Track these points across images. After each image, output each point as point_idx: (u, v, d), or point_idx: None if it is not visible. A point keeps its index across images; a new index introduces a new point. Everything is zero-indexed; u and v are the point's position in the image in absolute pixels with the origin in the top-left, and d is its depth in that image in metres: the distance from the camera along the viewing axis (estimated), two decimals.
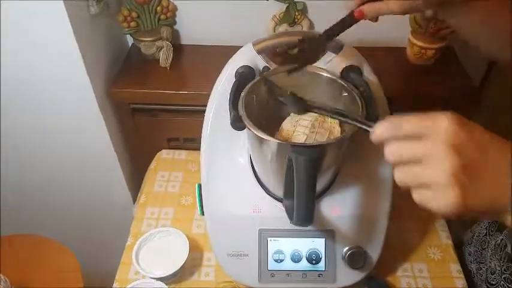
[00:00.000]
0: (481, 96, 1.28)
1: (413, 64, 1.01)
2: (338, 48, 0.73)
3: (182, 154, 1.04)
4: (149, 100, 0.96)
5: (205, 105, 0.77)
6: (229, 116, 0.65)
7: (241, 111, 0.65)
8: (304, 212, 0.62)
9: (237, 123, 0.64)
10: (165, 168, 1.01)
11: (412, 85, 1.00)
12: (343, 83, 0.70)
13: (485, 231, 0.82)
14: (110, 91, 0.95)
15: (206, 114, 0.77)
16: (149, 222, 0.90)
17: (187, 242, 0.80)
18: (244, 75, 0.71)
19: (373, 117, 0.64)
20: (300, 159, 0.58)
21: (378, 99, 0.72)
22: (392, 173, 0.73)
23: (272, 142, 0.62)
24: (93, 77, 0.88)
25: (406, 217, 0.91)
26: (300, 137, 0.70)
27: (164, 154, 1.04)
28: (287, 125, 0.74)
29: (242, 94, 0.68)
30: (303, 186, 0.60)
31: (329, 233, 0.75)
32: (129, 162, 1.10)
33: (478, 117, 1.31)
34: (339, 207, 0.75)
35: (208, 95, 0.77)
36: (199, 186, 0.77)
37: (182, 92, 0.94)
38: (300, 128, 0.71)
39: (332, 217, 0.75)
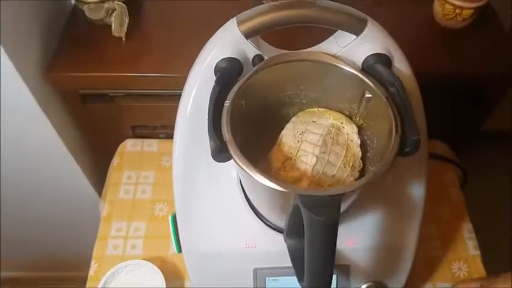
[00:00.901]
0: None
1: (441, 28, 0.79)
2: (359, 27, 0.52)
3: (153, 144, 0.84)
4: (102, 85, 0.73)
5: (177, 90, 0.56)
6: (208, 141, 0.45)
7: (227, 133, 0.45)
8: (320, 280, 0.46)
9: (221, 155, 0.45)
10: (132, 166, 0.81)
11: (437, 55, 0.78)
12: (365, 79, 0.50)
13: None
14: (48, 76, 0.71)
15: (179, 114, 0.56)
16: (115, 243, 0.72)
17: (162, 277, 0.63)
18: (228, 73, 0.50)
19: (411, 133, 0.46)
20: (315, 221, 0.40)
21: (412, 99, 0.52)
22: (423, 195, 0.58)
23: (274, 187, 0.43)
24: (19, 57, 0.64)
25: (427, 219, 0.76)
26: (308, 159, 0.51)
27: (129, 146, 0.84)
28: (288, 138, 0.54)
29: (227, 104, 0.48)
30: (318, 252, 0.43)
31: (342, 269, 0.59)
32: (88, 156, 0.90)
33: None
34: (354, 237, 0.59)
35: (181, 77, 0.55)
36: (174, 217, 0.59)
37: (145, 75, 0.71)
38: (306, 145, 0.52)
39: (346, 249, 0.59)
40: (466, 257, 0.73)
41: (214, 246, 0.58)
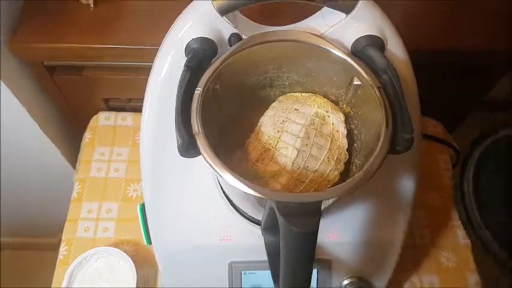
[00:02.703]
0: None
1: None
2: (350, 4, 0.45)
3: (128, 118, 0.78)
4: (67, 57, 0.66)
5: (147, 62, 0.50)
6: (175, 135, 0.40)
7: (197, 127, 0.40)
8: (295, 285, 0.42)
9: (190, 151, 0.40)
10: (105, 141, 0.75)
11: (431, 32, 0.71)
12: (355, 64, 0.44)
13: None
14: (11, 46, 0.64)
15: (147, 93, 0.50)
16: (86, 225, 0.68)
17: (134, 267, 0.60)
18: (200, 55, 0.44)
19: (404, 130, 0.41)
20: (292, 232, 0.36)
21: (407, 89, 0.47)
22: (414, 189, 0.54)
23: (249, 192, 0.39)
24: None
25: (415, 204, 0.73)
26: (288, 152, 0.46)
27: (102, 119, 0.78)
28: (268, 127, 0.49)
29: (197, 92, 0.42)
30: (295, 260, 0.39)
31: (323, 263, 0.56)
32: (61, 129, 0.84)
33: None
34: (336, 231, 0.55)
35: (153, 49, 0.49)
36: (143, 206, 0.55)
37: (114, 46, 0.64)
38: (287, 136, 0.47)
39: (328, 243, 0.55)
40: (454, 246, 0.70)
41: (187, 239, 0.54)
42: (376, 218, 0.55)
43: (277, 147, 0.47)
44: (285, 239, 0.37)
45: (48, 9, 0.67)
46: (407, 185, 0.53)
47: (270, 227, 0.49)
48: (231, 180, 0.38)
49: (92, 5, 0.66)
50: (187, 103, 0.41)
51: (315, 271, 0.57)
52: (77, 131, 0.80)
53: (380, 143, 0.40)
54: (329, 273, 0.57)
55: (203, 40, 0.44)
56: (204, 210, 0.54)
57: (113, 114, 0.78)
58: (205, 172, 0.54)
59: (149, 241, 0.56)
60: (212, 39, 0.44)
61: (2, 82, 0.65)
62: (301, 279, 0.41)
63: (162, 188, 0.54)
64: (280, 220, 0.37)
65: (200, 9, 0.45)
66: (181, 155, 0.40)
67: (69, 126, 0.86)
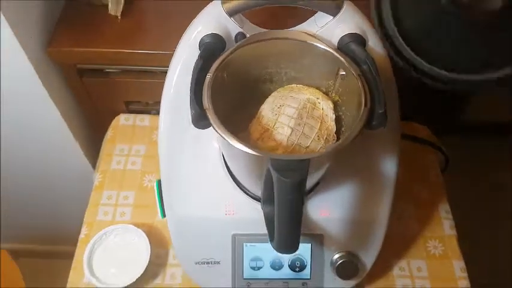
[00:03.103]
0: None
1: None
2: (336, 8, 0.55)
3: (145, 119, 0.88)
4: (98, 60, 0.77)
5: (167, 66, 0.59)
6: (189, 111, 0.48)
7: (207, 103, 0.49)
8: (287, 240, 0.49)
9: (201, 122, 0.48)
10: (124, 139, 0.85)
11: None
12: (339, 56, 0.53)
13: None
14: (48, 51, 0.75)
15: (165, 87, 0.60)
16: (105, 209, 0.76)
17: (149, 243, 0.67)
18: (211, 48, 0.53)
19: (379, 107, 0.49)
20: (282, 182, 0.44)
21: (385, 79, 0.56)
22: (396, 168, 0.61)
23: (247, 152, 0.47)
24: (22, 33, 0.68)
25: (405, 197, 0.80)
26: (283, 131, 0.55)
27: (122, 120, 0.87)
28: (267, 111, 0.57)
29: (208, 76, 0.51)
30: (285, 213, 0.46)
31: (316, 238, 0.63)
32: (84, 129, 0.93)
33: None
34: (328, 208, 0.62)
35: (172, 55, 0.59)
36: (159, 183, 0.63)
37: (139, 51, 0.75)
38: (283, 118, 0.55)
39: (320, 219, 0.62)
40: (441, 236, 0.76)
41: (195, 213, 0.62)
42: (362, 197, 0.62)
43: (274, 127, 0.55)
44: (278, 191, 0.45)
45: (81, 20, 0.79)
46: (389, 166, 0.61)
47: (267, 200, 0.56)
48: (235, 144, 0.46)
49: (119, 17, 0.77)
50: (200, 86, 0.50)
51: (309, 245, 0.64)
52: (99, 132, 0.90)
53: (359, 117, 0.48)
54: (321, 247, 0.63)
55: (214, 36, 0.53)
56: (211, 187, 0.62)
57: (132, 116, 0.88)
58: (213, 154, 0.62)
59: (163, 214, 0.63)
60: (221, 35, 0.54)
61: (41, 83, 0.75)
62: (291, 232, 0.48)
63: (176, 168, 0.62)
64: (274, 175, 0.44)
65: (212, 11, 0.54)
66: (194, 125, 0.48)
67: (92, 127, 0.95)
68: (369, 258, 0.64)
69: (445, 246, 0.75)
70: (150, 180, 0.80)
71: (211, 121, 0.47)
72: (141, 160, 0.82)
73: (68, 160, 0.96)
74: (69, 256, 0.73)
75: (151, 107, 0.89)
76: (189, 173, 0.62)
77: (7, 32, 0.66)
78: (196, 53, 0.53)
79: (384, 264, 0.72)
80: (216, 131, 0.47)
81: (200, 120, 0.48)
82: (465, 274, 0.72)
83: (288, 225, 0.47)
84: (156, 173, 0.80)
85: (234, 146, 0.46)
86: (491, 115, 1.33)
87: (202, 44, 0.54)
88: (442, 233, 0.76)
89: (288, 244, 0.50)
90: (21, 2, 0.70)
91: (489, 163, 1.36)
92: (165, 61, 0.60)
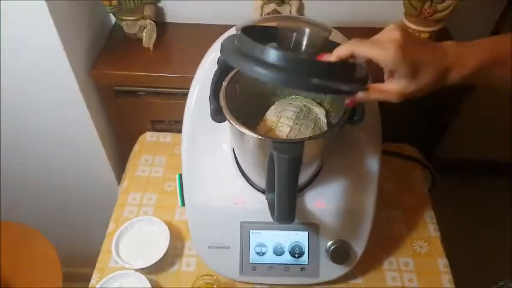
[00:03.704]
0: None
1: None
2: (327, 33, 0.69)
3: (167, 137, 1.01)
4: (132, 83, 0.92)
5: (188, 89, 0.73)
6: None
7: (222, 102, 0.62)
8: (285, 210, 0.60)
9: (218, 116, 0.61)
10: (149, 151, 0.98)
11: None
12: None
13: None
14: (92, 73, 0.91)
15: (188, 101, 0.73)
16: (131, 208, 0.88)
17: (168, 233, 0.78)
18: (227, 64, 0.67)
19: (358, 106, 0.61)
20: (281, 158, 0.55)
21: None
22: (378, 166, 0.73)
23: (253, 136, 0.59)
24: (73, 57, 0.84)
25: (394, 205, 0.90)
26: (283, 129, 0.67)
27: (148, 137, 1.01)
28: (271, 115, 0.71)
29: (224, 83, 0.64)
30: (284, 184, 0.57)
31: (313, 227, 0.73)
32: (113, 144, 1.07)
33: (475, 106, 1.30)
34: (323, 200, 0.73)
35: (192, 78, 0.73)
36: (180, 176, 0.75)
37: (166, 75, 0.90)
38: (284, 119, 0.68)
39: (316, 210, 0.73)
40: (427, 237, 0.85)
41: (210, 202, 0.73)
42: (352, 190, 0.73)
43: (277, 126, 0.68)
44: (278, 167, 0.56)
45: (120, 50, 0.95)
46: (373, 164, 0.72)
47: (270, 188, 0.67)
48: (245, 130, 0.58)
49: (151, 48, 0.93)
50: (217, 89, 0.63)
51: (306, 233, 0.73)
52: (123, 147, 1.03)
53: (344, 113, 0.60)
54: (317, 235, 0.73)
55: None
56: (223, 181, 0.74)
57: (156, 133, 1.02)
58: (226, 154, 0.74)
59: (183, 203, 0.74)
60: None
61: (83, 100, 0.90)
62: (289, 203, 0.59)
63: (195, 165, 0.74)
64: (275, 154, 0.56)
65: (228, 35, 0.69)
66: (212, 119, 0.61)
67: (120, 144, 1.09)
68: (358, 247, 0.74)
69: (430, 246, 0.83)
70: (169, 186, 0.91)
71: (226, 114, 0.60)
72: (162, 169, 0.95)
73: (97, 174, 1.09)
74: (85, 279, 0.79)
75: (173, 126, 1.02)
76: (205, 170, 0.74)
77: (61, 54, 0.82)
78: (211, 72, 0.66)
79: (375, 260, 0.81)
80: (229, 121, 0.60)
81: (217, 114, 0.61)
82: (448, 270, 0.80)
83: (286, 197, 0.58)
84: (175, 181, 0.92)
85: (244, 133, 0.59)
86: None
87: (219, 61, 0.68)
88: (427, 234, 0.85)
89: (285, 216, 0.60)
90: (75, 31, 0.86)
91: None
92: (187, 83, 0.74)
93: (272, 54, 0.49)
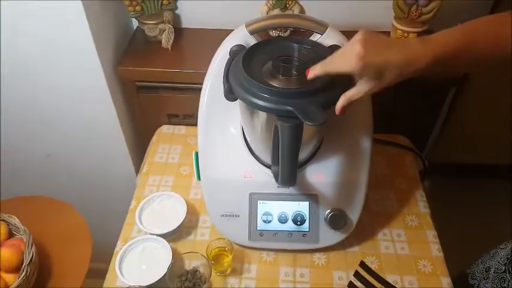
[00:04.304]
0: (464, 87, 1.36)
1: None
2: (323, 30, 0.80)
3: (182, 129, 1.12)
4: (152, 78, 1.04)
5: (201, 84, 0.84)
6: (223, 90, 0.72)
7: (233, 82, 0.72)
8: (287, 173, 0.70)
9: (230, 95, 0.72)
10: (166, 141, 1.09)
11: None
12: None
13: (503, 268, 0.80)
14: (117, 69, 1.03)
15: (203, 89, 0.84)
16: (151, 188, 0.98)
17: (185, 204, 0.88)
18: (237, 53, 0.78)
19: None
20: (285, 126, 0.65)
21: None
22: (370, 144, 0.83)
23: (261, 112, 0.70)
24: (102, 55, 0.96)
25: (387, 187, 0.99)
26: None
27: (165, 129, 1.12)
28: None
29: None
30: (287, 149, 0.67)
31: (313, 197, 0.83)
32: (132, 135, 1.18)
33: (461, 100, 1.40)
34: (321, 174, 0.83)
35: (205, 73, 0.84)
36: (196, 154, 0.85)
37: (182, 71, 1.02)
38: None
39: (315, 183, 0.83)
40: (417, 212, 0.94)
41: (223, 175, 0.83)
42: (347, 164, 0.82)
43: None
44: (282, 133, 0.66)
45: (142, 50, 1.07)
46: (365, 142, 0.82)
47: (274, 161, 0.77)
48: (254, 100, 0.69)
49: (169, 49, 1.06)
50: (229, 74, 0.74)
51: (307, 203, 0.83)
52: (141, 140, 1.14)
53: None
54: (317, 205, 0.83)
55: (239, 45, 0.79)
56: (234, 157, 0.84)
57: (171, 127, 1.13)
58: (237, 135, 0.84)
59: (199, 177, 0.84)
60: (244, 45, 0.79)
61: (110, 94, 1.02)
62: (291, 166, 0.69)
63: (209, 144, 0.84)
64: (279, 123, 0.66)
65: (239, 31, 0.80)
66: (225, 97, 0.71)
67: (138, 137, 1.20)
68: (353, 215, 0.83)
69: (420, 220, 0.92)
70: (185, 170, 1.02)
71: (236, 94, 0.71)
72: (178, 156, 1.05)
73: (116, 163, 1.20)
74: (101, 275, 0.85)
75: (187, 120, 1.14)
76: (218, 148, 0.84)
77: (93, 52, 0.94)
78: (221, 67, 0.77)
79: (370, 232, 0.90)
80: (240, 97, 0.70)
81: (229, 93, 0.71)
82: (437, 240, 0.89)
83: (288, 161, 0.68)
84: (189, 165, 1.02)
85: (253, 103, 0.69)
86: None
87: (231, 51, 0.79)
88: (417, 210, 0.94)
89: (288, 179, 0.70)
90: (104, 33, 0.99)
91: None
92: (200, 78, 0.85)
93: (263, 89, 0.65)
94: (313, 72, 0.63)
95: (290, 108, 0.63)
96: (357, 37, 0.58)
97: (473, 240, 1.31)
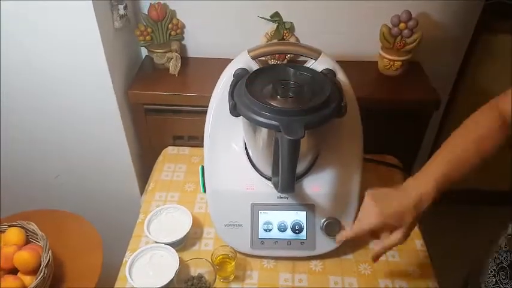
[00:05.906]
0: (450, 109, 1.46)
1: (383, 75, 1.19)
2: (317, 56, 0.90)
3: (186, 150, 1.20)
4: (159, 101, 1.13)
5: (207, 106, 0.93)
6: (228, 109, 0.80)
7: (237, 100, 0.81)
8: (287, 181, 0.77)
9: (235, 111, 0.80)
10: (171, 161, 1.16)
11: (383, 92, 1.17)
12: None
13: (494, 280, 0.83)
14: (128, 93, 1.12)
15: (209, 109, 0.92)
16: (157, 203, 1.04)
17: (191, 216, 0.94)
18: (241, 75, 0.88)
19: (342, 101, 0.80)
20: (284, 139, 0.73)
21: (349, 96, 0.88)
22: (360, 160, 0.91)
23: (262, 128, 0.78)
24: (115, 79, 1.05)
25: None
26: None
27: (170, 150, 1.20)
28: None
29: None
30: (286, 159, 0.74)
31: (310, 207, 0.90)
32: (139, 156, 1.25)
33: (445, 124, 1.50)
34: (318, 185, 0.90)
35: (210, 98, 0.93)
36: (203, 167, 0.92)
37: (187, 95, 1.11)
38: None
39: (312, 193, 0.90)
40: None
41: (227, 188, 0.90)
42: (341, 177, 0.90)
43: None
44: (282, 146, 0.74)
45: (151, 76, 1.17)
46: (356, 158, 0.90)
47: (275, 172, 0.85)
48: (255, 117, 0.77)
49: (176, 75, 1.15)
50: (234, 92, 0.83)
51: (305, 213, 0.90)
52: (146, 161, 1.21)
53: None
54: (314, 214, 0.89)
55: (243, 69, 0.88)
56: (237, 171, 0.91)
57: (176, 148, 1.20)
58: (239, 151, 0.92)
59: (204, 190, 0.91)
60: (247, 69, 0.88)
61: (120, 115, 1.10)
62: (290, 175, 0.76)
63: (214, 158, 0.92)
64: (280, 136, 0.74)
65: (242, 56, 0.90)
66: (231, 113, 0.80)
67: (143, 156, 1.27)
68: (347, 223, 0.90)
69: None
70: (189, 187, 1.08)
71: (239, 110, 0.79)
72: (183, 174, 1.12)
73: (123, 184, 1.26)
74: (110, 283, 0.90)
75: (191, 142, 1.21)
76: (222, 162, 0.92)
77: (106, 76, 1.03)
78: (224, 91, 0.85)
79: (362, 242, 0.96)
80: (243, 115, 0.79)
81: (234, 109, 0.80)
82: (424, 248, 0.95)
83: (288, 169, 0.76)
84: (194, 183, 1.09)
85: (254, 120, 0.77)
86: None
87: (235, 74, 0.88)
88: None
89: (287, 186, 0.77)
90: (117, 59, 1.08)
91: None
92: (204, 101, 0.94)
93: (259, 106, 0.74)
94: (345, 236, 0.79)
95: (276, 123, 0.73)
96: (367, 202, 0.73)
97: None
